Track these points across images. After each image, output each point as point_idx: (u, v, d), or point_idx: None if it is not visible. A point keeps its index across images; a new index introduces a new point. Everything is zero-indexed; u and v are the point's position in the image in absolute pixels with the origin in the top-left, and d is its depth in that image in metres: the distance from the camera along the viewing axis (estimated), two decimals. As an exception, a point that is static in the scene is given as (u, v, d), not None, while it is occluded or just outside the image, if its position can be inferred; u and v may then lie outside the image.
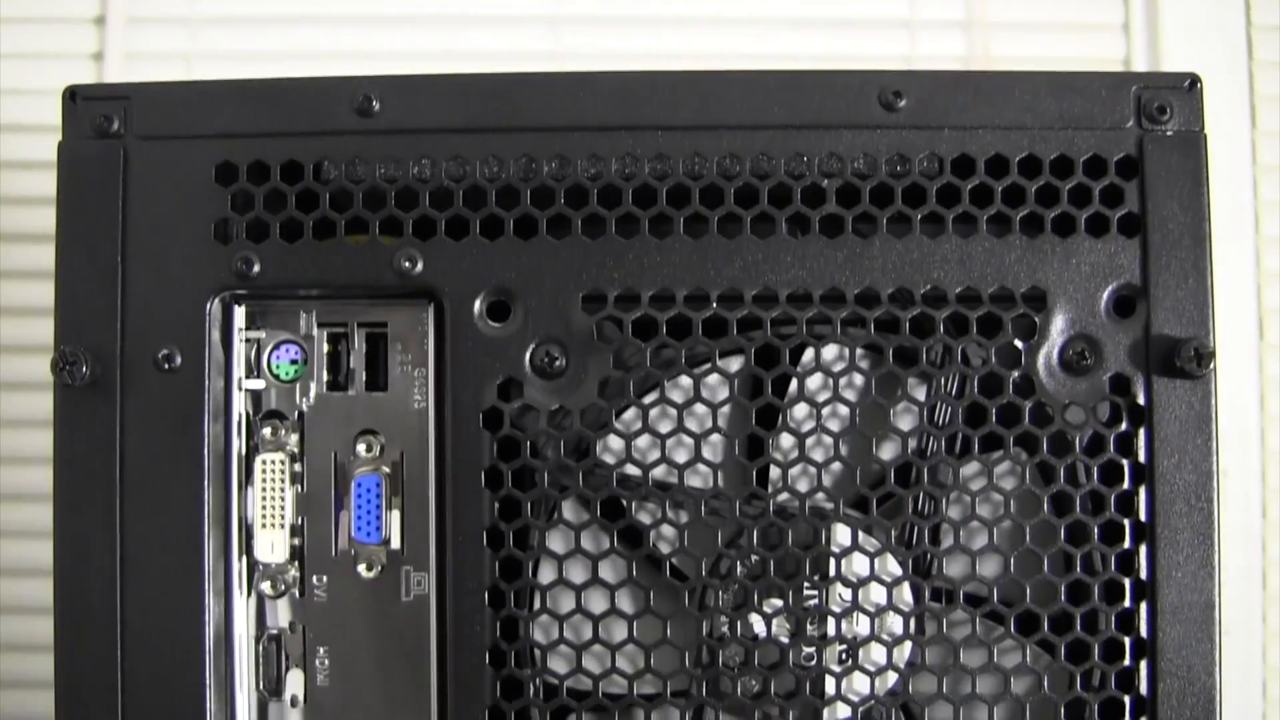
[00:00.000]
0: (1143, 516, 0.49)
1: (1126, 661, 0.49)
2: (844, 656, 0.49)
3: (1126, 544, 0.49)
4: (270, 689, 0.50)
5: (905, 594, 0.49)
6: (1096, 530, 0.49)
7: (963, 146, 0.49)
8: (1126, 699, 0.49)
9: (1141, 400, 0.49)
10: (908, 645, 0.49)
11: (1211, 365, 0.48)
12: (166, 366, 0.49)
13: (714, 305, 0.49)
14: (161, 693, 0.49)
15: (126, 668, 0.49)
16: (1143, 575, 0.49)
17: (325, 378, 0.50)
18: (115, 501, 0.49)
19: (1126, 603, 0.49)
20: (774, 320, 0.49)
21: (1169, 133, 0.49)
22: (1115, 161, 0.49)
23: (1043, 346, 0.49)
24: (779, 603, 0.49)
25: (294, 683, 0.50)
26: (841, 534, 0.49)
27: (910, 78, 0.50)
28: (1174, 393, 0.49)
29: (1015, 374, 0.49)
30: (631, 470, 0.49)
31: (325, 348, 0.50)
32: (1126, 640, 0.49)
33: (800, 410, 0.49)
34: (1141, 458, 0.49)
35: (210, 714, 0.49)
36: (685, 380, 0.49)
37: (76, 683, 0.49)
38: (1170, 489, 0.49)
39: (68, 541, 0.49)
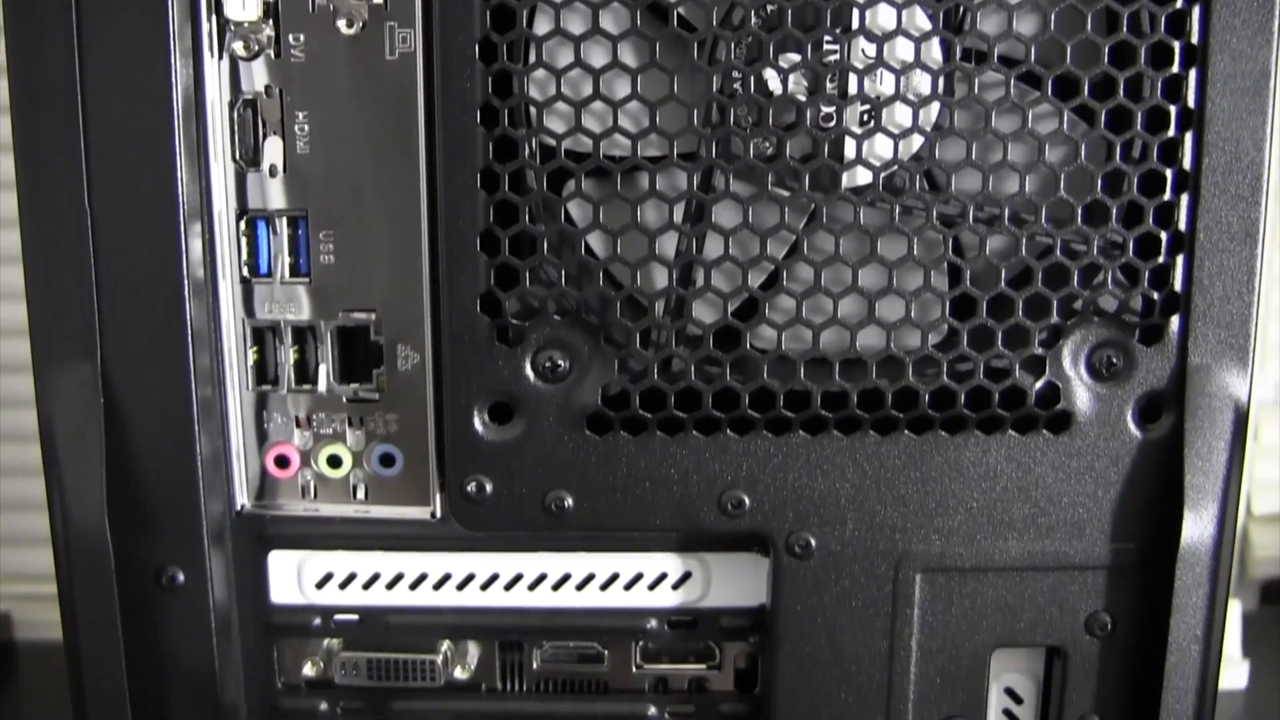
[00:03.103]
0: (1197, -30, 0.44)
1: (1171, 132, 0.45)
2: (865, 117, 0.45)
3: (1178, 2, 0.44)
4: (247, 158, 0.46)
5: (934, 50, 0.45)
6: (1146, -16, 0.44)
7: None
8: (1168, 172, 0.46)
9: None
10: (935, 106, 0.45)
11: None
12: None
13: None
14: (129, 167, 0.45)
15: (90, 140, 0.45)
16: (1193, 39, 0.45)
17: None
18: (64, -47, 0.45)
19: (1174, 68, 0.45)
20: None
21: None
22: None
23: None
24: (796, 57, 0.45)
25: (272, 151, 0.46)
26: (866, -19, 0.44)
27: None
28: None
29: None
30: (636, -93, 0.44)
31: None
32: (1172, 109, 0.45)
33: None
34: (1201, -96, 0.44)
35: (182, 186, 0.46)
36: None
37: (37, 158, 0.45)
38: (1230, -59, 0.44)
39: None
